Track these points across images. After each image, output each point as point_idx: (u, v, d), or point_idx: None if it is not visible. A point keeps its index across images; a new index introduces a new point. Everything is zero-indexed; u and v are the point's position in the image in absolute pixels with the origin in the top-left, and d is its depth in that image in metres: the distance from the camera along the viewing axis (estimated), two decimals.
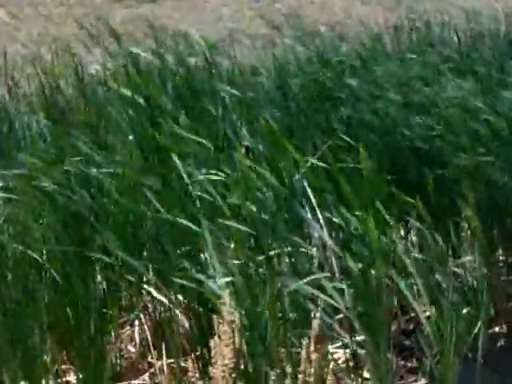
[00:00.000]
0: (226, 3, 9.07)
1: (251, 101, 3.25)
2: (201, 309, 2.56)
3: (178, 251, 2.56)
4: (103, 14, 8.00)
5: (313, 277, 2.40)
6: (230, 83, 3.36)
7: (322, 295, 2.41)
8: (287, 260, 2.54)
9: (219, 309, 2.07)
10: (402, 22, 4.77)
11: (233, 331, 2.01)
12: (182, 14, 8.50)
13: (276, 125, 3.02)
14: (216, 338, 2.01)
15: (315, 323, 1.95)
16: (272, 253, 2.50)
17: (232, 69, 3.67)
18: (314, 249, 2.72)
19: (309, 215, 2.66)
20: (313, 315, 2.09)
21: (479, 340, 2.58)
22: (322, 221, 2.65)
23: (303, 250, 2.58)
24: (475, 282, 2.76)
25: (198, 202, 2.58)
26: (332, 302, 2.44)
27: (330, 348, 2.60)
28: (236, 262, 2.40)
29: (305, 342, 1.96)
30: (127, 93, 3.08)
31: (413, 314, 2.92)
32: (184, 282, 2.45)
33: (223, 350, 1.98)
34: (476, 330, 2.58)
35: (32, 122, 3.06)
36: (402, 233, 2.94)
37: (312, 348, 1.92)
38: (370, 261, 2.44)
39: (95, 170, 2.67)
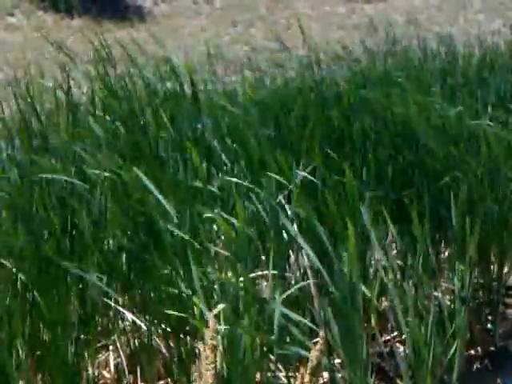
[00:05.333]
0: (203, 28, 9.12)
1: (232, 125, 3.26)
2: (179, 333, 2.55)
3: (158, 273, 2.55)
4: (80, 39, 8.01)
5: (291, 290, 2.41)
6: (209, 108, 3.36)
7: (295, 315, 2.42)
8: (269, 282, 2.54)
9: (200, 333, 2.06)
10: (379, 46, 4.82)
11: (215, 356, 2.00)
12: (160, 38, 8.53)
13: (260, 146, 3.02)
14: (197, 362, 1.99)
15: (313, 355, 1.92)
16: (253, 275, 2.50)
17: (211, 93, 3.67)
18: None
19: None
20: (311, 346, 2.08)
21: (455, 362, 2.58)
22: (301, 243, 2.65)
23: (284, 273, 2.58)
24: (452, 305, 2.76)
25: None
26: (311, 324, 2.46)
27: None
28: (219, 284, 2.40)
29: (300, 371, 1.94)
30: (105, 117, 3.08)
31: (390, 336, 2.92)
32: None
33: (204, 375, 1.97)
34: (452, 353, 2.59)
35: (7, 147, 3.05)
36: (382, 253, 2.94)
37: (307, 379, 1.90)
38: (349, 281, 2.44)
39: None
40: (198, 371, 1.98)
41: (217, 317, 2.28)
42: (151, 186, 2.53)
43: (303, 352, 2.33)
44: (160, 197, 2.52)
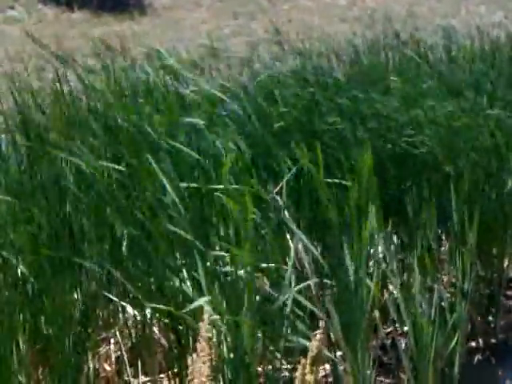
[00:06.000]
0: (204, 21, 9.10)
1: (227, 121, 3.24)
2: (179, 326, 2.55)
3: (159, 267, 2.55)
4: (81, 32, 8.00)
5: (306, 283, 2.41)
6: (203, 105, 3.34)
7: (307, 302, 2.42)
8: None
9: (197, 326, 2.06)
10: (379, 39, 4.80)
11: (210, 348, 2.00)
12: (160, 31, 8.52)
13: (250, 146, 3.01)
14: (194, 355, 1.99)
15: (313, 345, 1.93)
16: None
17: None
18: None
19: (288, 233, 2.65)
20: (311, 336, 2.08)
21: (456, 355, 2.58)
22: (300, 237, 2.64)
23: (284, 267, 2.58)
24: (453, 298, 2.76)
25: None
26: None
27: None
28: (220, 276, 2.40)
29: (301, 363, 1.94)
30: (103, 111, 3.07)
31: (391, 329, 2.92)
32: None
33: (201, 368, 1.97)
34: (453, 345, 2.59)
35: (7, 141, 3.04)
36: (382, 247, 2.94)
37: (308, 369, 1.90)
38: (350, 274, 2.44)
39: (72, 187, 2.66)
40: (194, 363, 1.98)
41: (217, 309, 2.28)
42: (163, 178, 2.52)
43: (307, 343, 2.33)
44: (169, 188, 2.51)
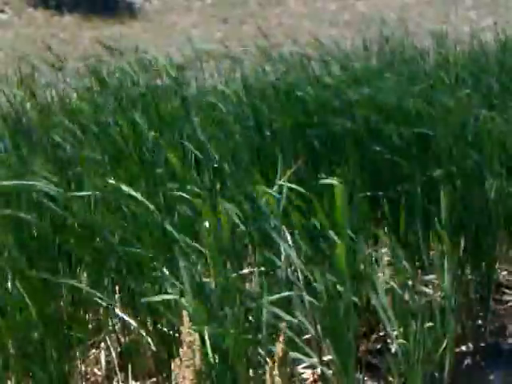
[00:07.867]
0: (194, 25, 9.11)
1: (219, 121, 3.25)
2: (166, 330, 2.55)
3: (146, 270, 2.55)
4: (71, 35, 7.99)
5: (279, 295, 2.40)
6: (197, 105, 3.35)
7: (289, 317, 2.41)
8: (256, 279, 2.53)
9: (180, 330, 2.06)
10: (370, 43, 4.82)
11: (193, 352, 1.99)
12: (151, 35, 8.52)
13: (246, 145, 3.02)
14: (177, 359, 1.99)
15: (279, 346, 1.95)
16: (242, 272, 2.50)
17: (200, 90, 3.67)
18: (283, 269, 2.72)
19: (278, 236, 2.65)
20: (277, 337, 2.08)
21: (446, 359, 2.58)
22: (290, 241, 2.64)
23: (272, 269, 2.57)
24: (442, 301, 2.76)
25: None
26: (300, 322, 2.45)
27: (299, 368, 2.61)
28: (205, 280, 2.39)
29: (268, 364, 1.96)
30: (93, 115, 3.07)
31: (381, 334, 2.92)
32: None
33: (184, 372, 1.97)
34: (443, 349, 2.59)
35: None
36: (371, 250, 2.94)
37: (276, 371, 1.91)
38: (338, 279, 2.44)
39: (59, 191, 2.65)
40: (177, 368, 1.98)
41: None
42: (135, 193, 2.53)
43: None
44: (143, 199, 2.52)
